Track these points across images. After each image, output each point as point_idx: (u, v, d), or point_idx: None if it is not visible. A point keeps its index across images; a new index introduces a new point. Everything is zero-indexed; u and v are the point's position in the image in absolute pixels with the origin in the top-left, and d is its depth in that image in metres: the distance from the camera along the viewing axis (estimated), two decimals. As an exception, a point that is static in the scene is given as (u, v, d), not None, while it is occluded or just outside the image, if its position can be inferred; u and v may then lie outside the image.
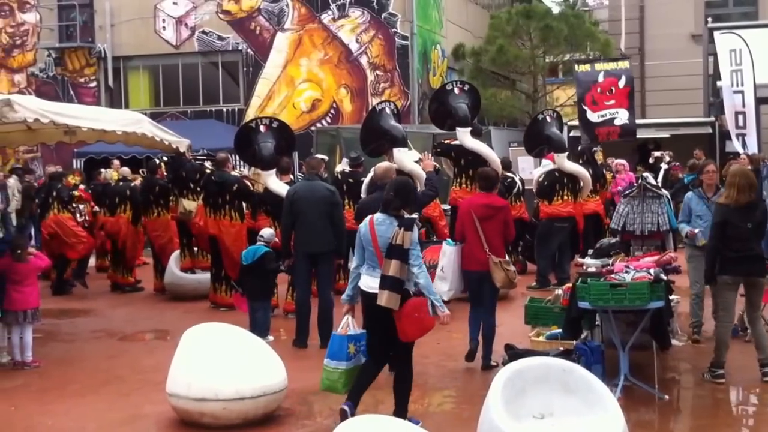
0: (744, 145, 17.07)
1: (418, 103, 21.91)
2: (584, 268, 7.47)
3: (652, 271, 6.68)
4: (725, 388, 6.98)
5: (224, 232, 10.61)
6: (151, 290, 12.46)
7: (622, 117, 16.35)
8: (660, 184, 12.44)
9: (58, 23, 24.19)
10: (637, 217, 9.42)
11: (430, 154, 9.51)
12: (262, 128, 10.14)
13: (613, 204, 12.55)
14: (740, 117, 17.37)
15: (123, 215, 12.59)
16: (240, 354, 6.30)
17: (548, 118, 12.23)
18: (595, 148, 14.24)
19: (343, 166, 12.24)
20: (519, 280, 8.02)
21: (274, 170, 10.00)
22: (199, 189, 11.28)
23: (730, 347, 7.18)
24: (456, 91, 11.16)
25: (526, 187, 13.28)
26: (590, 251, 8.39)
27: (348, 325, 6.08)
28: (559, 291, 7.86)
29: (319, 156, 13.13)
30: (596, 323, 7.16)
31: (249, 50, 22.76)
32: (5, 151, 22.10)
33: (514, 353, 6.95)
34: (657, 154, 16.86)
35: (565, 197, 11.81)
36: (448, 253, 7.54)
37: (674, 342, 7.85)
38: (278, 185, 9.83)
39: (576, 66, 17.04)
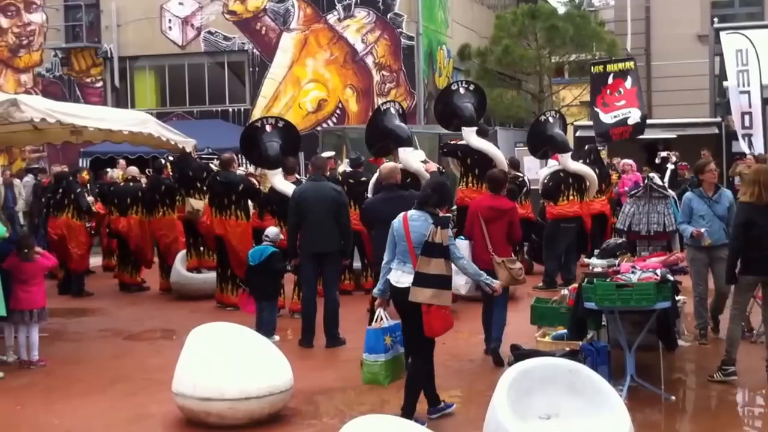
0: (750, 145, 17.03)
1: (424, 104, 21.92)
2: (590, 268, 7.46)
3: (658, 271, 6.67)
4: (731, 389, 6.96)
5: (230, 232, 10.62)
6: (157, 290, 12.48)
7: (635, 116, 16.32)
8: (667, 185, 12.41)
9: (65, 23, 24.27)
10: (643, 218, 9.42)
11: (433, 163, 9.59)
12: (268, 128, 10.16)
13: (619, 204, 12.53)
14: (746, 117, 17.34)
15: (135, 216, 12.57)
16: (246, 354, 6.31)
17: (550, 119, 12.20)
18: (600, 148, 14.21)
19: (344, 166, 12.26)
20: (525, 278, 8.04)
21: (280, 170, 10.01)
22: (205, 188, 11.28)
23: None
24: (461, 90, 11.16)
25: (532, 188, 13.26)
26: (596, 251, 8.37)
27: (382, 317, 6.22)
28: (565, 291, 7.85)
29: (327, 153, 13.16)
30: (602, 324, 7.14)
31: (255, 50, 22.79)
32: (12, 150, 22.18)
33: (520, 353, 6.93)
34: (663, 154, 16.83)
35: (571, 197, 11.79)
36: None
37: (680, 343, 7.83)
38: (284, 185, 9.83)
39: (591, 68, 17.06)
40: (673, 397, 6.67)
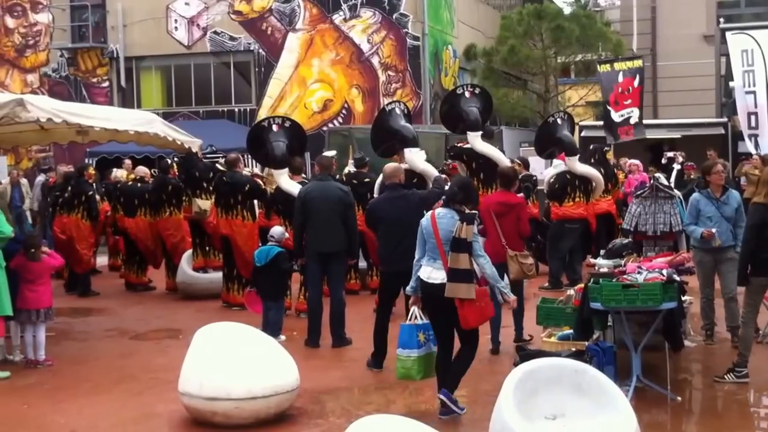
0: (756, 145, 16.97)
1: (430, 104, 21.91)
2: (596, 268, 7.45)
3: (664, 271, 6.66)
4: (738, 389, 6.95)
5: (236, 232, 10.64)
6: (163, 289, 12.50)
7: (635, 116, 16.33)
8: (673, 185, 12.37)
9: (71, 24, 24.31)
10: (649, 218, 9.39)
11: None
12: (274, 127, 10.16)
13: (626, 204, 12.50)
14: (752, 118, 17.28)
15: (143, 218, 12.56)
16: (252, 353, 6.31)
17: (559, 120, 12.16)
18: (606, 148, 14.19)
19: (349, 167, 12.26)
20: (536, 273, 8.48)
21: (286, 170, 10.01)
22: (211, 188, 11.30)
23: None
24: (467, 94, 11.14)
25: (537, 188, 13.26)
26: (602, 252, 8.37)
27: (415, 315, 6.42)
28: (571, 291, 7.84)
29: (329, 153, 13.16)
30: (608, 324, 7.13)
31: (261, 50, 22.82)
32: (18, 150, 22.23)
33: (525, 354, 6.93)
34: (670, 154, 16.78)
35: (577, 199, 11.78)
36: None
37: (687, 343, 7.82)
38: (290, 185, 9.84)
39: (598, 66, 17.06)
40: (680, 398, 6.66)
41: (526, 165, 12.86)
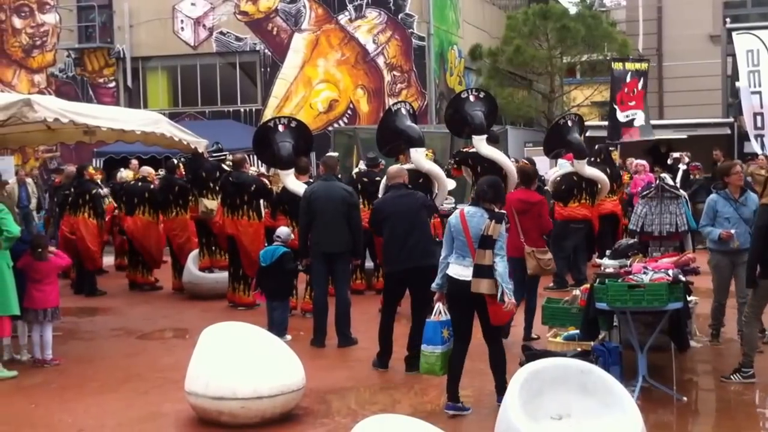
0: (762, 146, 16.93)
1: (435, 104, 21.91)
2: (602, 269, 7.45)
3: (670, 272, 6.65)
4: (744, 389, 6.95)
5: (242, 232, 10.66)
6: (170, 289, 12.53)
7: (639, 119, 16.34)
8: (679, 185, 12.37)
9: (78, 24, 24.37)
10: (655, 218, 9.37)
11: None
12: (280, 127, 10.17)
13: (631, 205, 12.50)
14: (758, 118, 17.23)
15: (141, 216, 12.61)
16: (258, 353, 6.33)
17: (569, 122, 12.10)
18: (611, 148, 14.18)
19: (360, 166, 12.26)
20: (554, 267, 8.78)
21: (293, 170, 10.03)
22: (218, 188, 11.32)
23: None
24: (471, 98, 11.13)
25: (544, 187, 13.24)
26: (608, 252, 8.36)
27: (440, 312, 6.54)
28: (576, 292, 7.84)
29: (331, 154, 13.18)
30: (614, 324, 7.13)
31: (266, 51, 22.84)
32: (25, 150, 22.28)
33: (531, 354, 6.93)
34: (676, 155, 16.78)
35: (582, 200, 11.78)
36: None
37: (692, 343, 7.81)
38: (296, 185, 9.86)
39: (612, 63, 17.10)
40: (685, 398, 6.66)
41: (532, 165, 12.83)
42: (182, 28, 23.48)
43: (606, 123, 17.48)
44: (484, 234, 6.15)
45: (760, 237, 6.85)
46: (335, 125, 21.48)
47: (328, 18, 22.37)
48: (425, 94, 21.77)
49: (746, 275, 7.09)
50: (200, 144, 10.72)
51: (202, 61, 23.68)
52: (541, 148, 12.97)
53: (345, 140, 17.62)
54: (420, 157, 10.28)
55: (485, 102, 11.14)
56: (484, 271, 6.13)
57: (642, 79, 16.29)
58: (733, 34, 19.18)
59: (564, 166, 12.36)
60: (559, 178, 12.21)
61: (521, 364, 6.48)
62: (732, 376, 7.07)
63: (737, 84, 18.47)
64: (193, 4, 23.33)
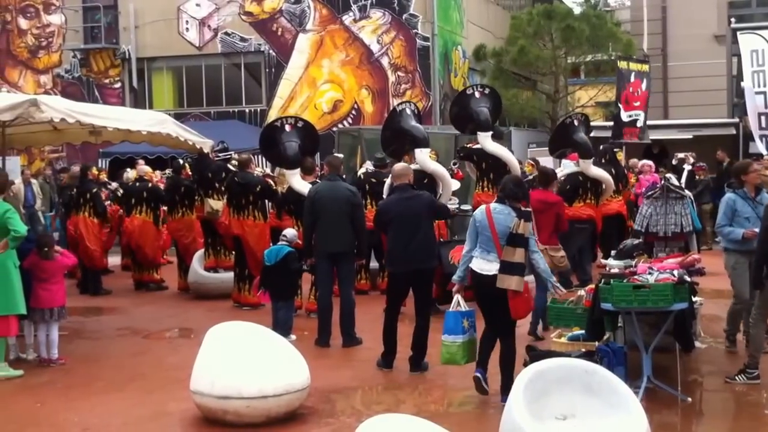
0: (767, 146, 16.91)
1: (440, 104, 21.91)
2: (607, 269, 7.45)
3: (675, 272, 6.66)
4: (748, 390, 6.95)
5: (248, 232, 10.68)
6: (175, 289, 12.56)
7: (641, 119, 16.32)
8: (684, 185, 12.35)
9: (83, 25, 24.40)
10: (660, 219, 9.37)
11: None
12: (287, 127, 10.19)
13: (636, 205, 12.48)
14: (763, 118, 17.19)
15: (138, 216, 12.63)
16: (263, 352, 6.35)
17: (576, 122, 12.09)
18: (616, 148, 14.18)
19: (367, 166, 12.26)
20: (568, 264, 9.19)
21: (298, 170, 10.05)
22: (223, 189, 11.35)
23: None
24: (477, 95, 11.15)
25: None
26: (613, 253, 8.37)
27: (459, 303, 6.77)
28: (581, 292, 7.85)
29: (337, 155, 13.20)
30: (619, 325, 7.14)
31: (271, 51, 22.86)
32: (31, 150, 22.33)
33: (536, 354, 6.94)
34: (680, 155, 16.74)
35: (587, 201, 11.78)
36: None
37: (697, 344, 7.81)
38: (301, 185, 9.87)
39: (618, 62, 17.09)
40: (690, 399, 6.66)
41: (537, 165, 12.87)
42: (187, 29, 23.51)
43: (611, 123, 17.46)
44: (513, 232, 6.32)
45: (767, 238, 6.84)
46: (339, 126, 21.47)
47: (333, 18, 22.38)
48: (429, 95, 21.77)
49: (753, 276, 7.05)
50: (206, 144, 10.75)
51: (207, 62, 23.70)
52: (545, 149, 12.99)
53: (349, 141, 17.60)
54: (425, 158, 10.30)
55: (490, 98, 11.15)
56: (513, 268, 6.29)
57: (645, 80, 16.28)
58: (738, 34, 19.15)
59: (568, 166, 12.36)
60: (563, 178, 12.21)
61: (525, 365, 6.50)
62: (737, 377, 7.07)
63: (742, 84, 18.43)
64: (198, 5, 23.35)
